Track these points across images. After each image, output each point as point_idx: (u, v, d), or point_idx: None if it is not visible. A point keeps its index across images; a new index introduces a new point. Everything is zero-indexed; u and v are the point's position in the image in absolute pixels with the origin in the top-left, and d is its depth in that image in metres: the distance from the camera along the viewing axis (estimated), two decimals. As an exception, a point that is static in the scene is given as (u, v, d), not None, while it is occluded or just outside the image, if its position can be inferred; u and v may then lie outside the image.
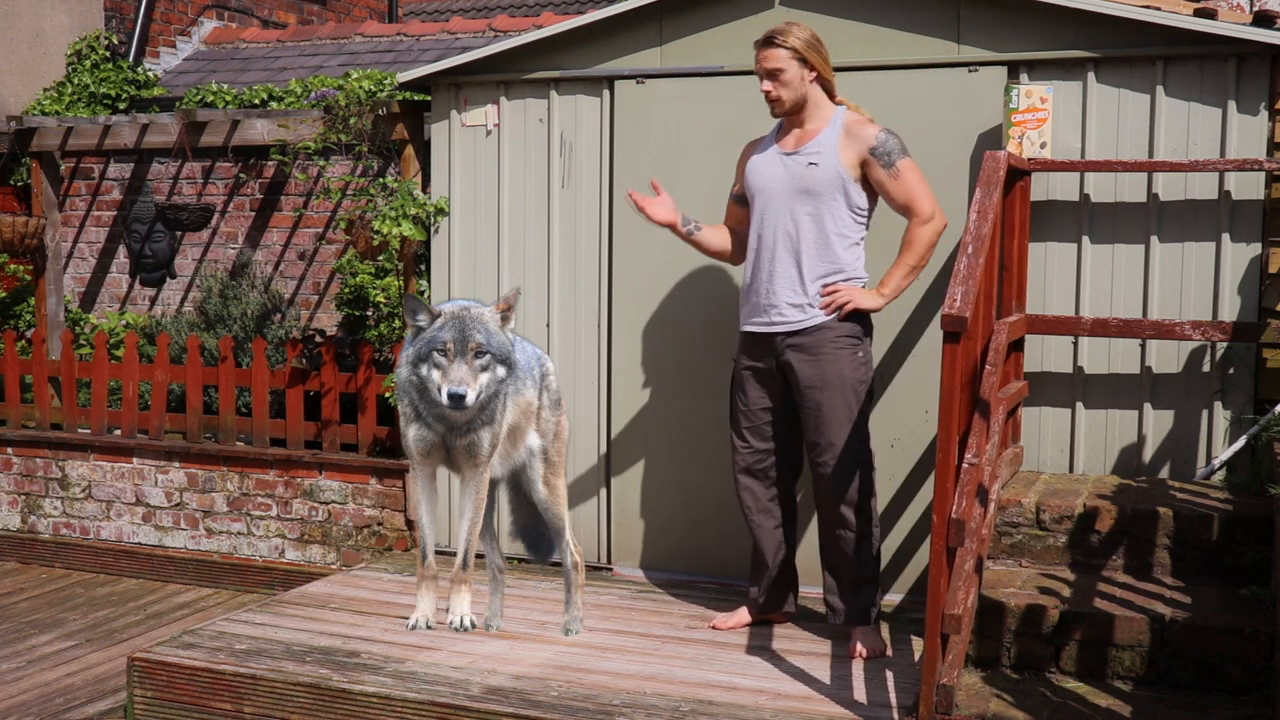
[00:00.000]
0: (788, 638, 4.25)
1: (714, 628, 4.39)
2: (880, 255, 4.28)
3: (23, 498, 6.68)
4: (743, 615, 4.42)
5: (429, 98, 5.52)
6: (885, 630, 4.22)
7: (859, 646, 4.07)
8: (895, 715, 3.56)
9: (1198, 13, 4.49)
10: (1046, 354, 4.70)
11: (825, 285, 4.08)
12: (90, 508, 6.52)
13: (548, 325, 5.30)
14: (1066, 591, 3.94)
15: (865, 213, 4.14)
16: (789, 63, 4.04)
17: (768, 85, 4.10)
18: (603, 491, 5.25)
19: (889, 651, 4.11)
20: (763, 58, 4.08)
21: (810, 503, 4.72)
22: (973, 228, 3.71)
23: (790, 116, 4.15)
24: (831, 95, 4.16)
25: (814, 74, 4.08)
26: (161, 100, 8.08)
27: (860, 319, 4.12)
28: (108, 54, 8.23)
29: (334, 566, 5.92)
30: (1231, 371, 4.51)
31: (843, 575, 4.15)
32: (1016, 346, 4.55)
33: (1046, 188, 4.65)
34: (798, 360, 4.11)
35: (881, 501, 4.55)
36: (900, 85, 4.68)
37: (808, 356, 4.10)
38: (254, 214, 7.63)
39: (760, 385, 4.24)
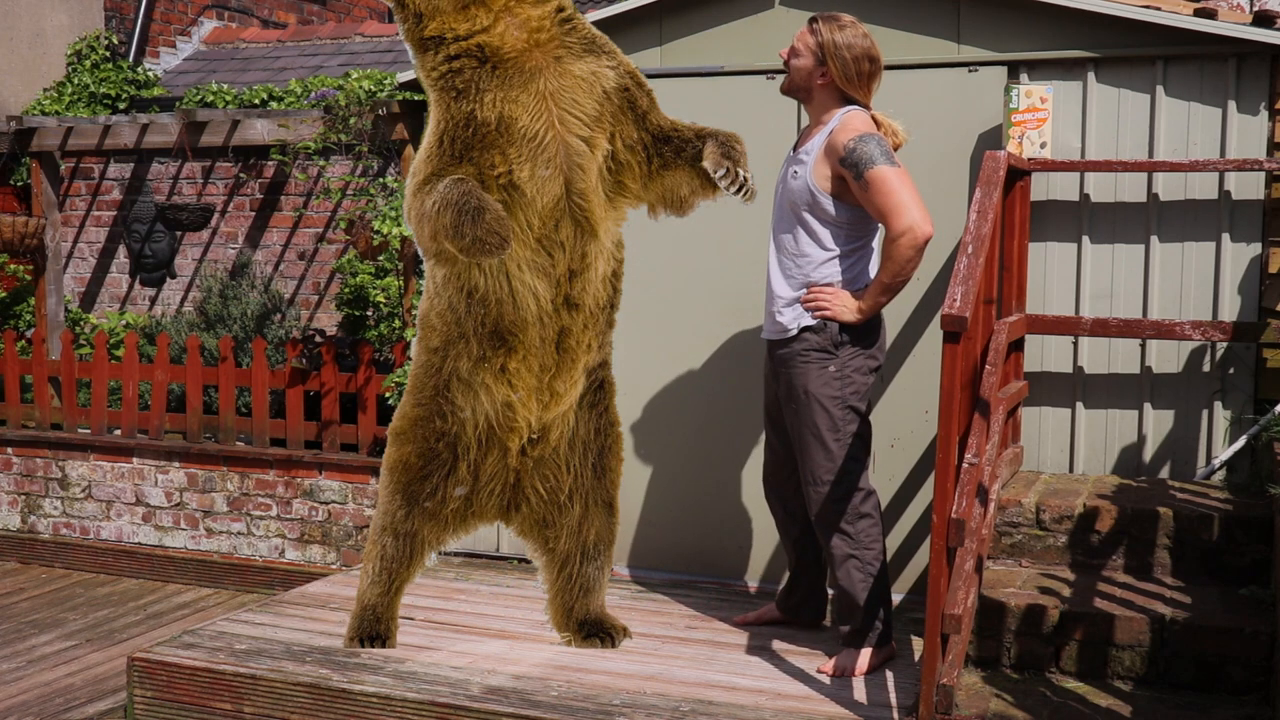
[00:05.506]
0: (788, 638, 4.24)
1: (737, 622, 4.38)
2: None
3: (23, 498, 6.68)
4: (766, 612, 4.39)
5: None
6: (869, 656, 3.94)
7: (831, 662, 3.91)
8: (895, 715, 3.56)
9: (1198, 13, 4.49)
10: (1046, 354, 4.70)
11: (806, 295, 3.88)
12: (90, 508, 6.52)
13: (548, 325, 5.29)
14: (1066, 591, 3.94)
15: (845, 225, 3.85)
16: (807, 52, 3.85)
17: (784, 51, 3.93)
18: (603, 491, 5.24)
19: (858, 673, 3.87)
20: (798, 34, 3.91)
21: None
22: (973, 228, 3.71)
23: (803, 103, 3.99)
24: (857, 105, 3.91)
25: (826, 78, 3.84)
26: (161, 100, 8.09)
27: (848, 329, 3.85)
28: (108, 54, 8.23)
29: (334, 566, 5.92)
30: (1231, 371, 4.51)
31: (836, 597, 3.98)
32: (1016, 346, 4.55)
33: (1046, 188, 4.65)
34: (776, 373, 3.98)
35: (881, 501, 4.40)
36: (900, 85, 4.68)
37: (780, 369, 3.94)
38: (254, 214, 7.63)
39: (769, 391, 4.15)
